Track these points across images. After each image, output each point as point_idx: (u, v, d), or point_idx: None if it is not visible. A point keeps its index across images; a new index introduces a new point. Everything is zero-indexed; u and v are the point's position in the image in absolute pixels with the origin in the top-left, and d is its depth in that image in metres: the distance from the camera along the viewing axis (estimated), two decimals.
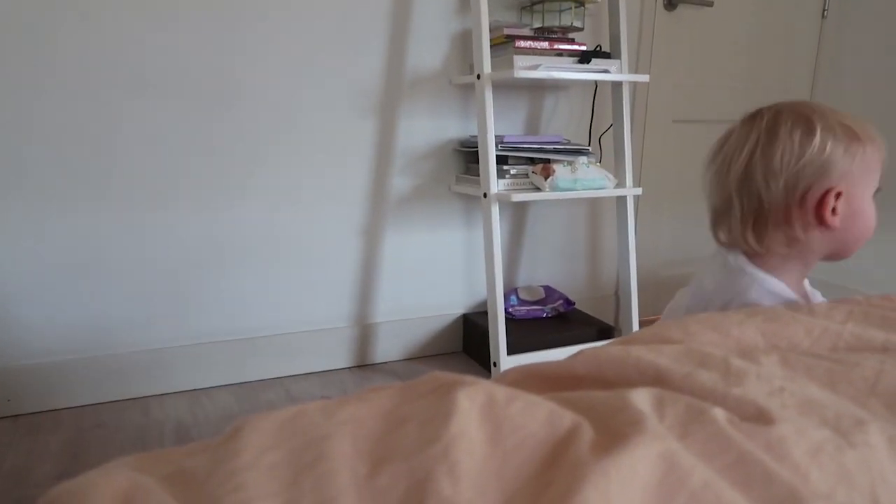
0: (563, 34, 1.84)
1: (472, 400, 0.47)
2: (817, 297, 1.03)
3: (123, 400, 1.67)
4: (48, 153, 1.52)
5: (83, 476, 0.40)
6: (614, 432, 0.45)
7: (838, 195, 0.88)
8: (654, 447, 0.43)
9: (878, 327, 0.75)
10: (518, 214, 2.10)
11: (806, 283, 1.03)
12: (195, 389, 1.74)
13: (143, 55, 1.56)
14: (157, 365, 1.70)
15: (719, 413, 0.49)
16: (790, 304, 0.84)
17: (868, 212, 0.91)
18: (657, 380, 0.56)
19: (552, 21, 1.84)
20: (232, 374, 1.78)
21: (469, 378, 0.51)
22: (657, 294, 2.34)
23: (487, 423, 0.45)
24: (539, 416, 0.46)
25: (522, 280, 2.15)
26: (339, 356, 1.91)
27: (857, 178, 0.89)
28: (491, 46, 1.72)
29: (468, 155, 1.92)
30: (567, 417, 0.47)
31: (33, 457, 1.41)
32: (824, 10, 2.44)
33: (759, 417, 0.49)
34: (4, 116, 1.47)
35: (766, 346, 0.70)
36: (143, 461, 0.44)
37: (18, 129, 1.49)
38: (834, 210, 0.89)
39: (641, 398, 0.50)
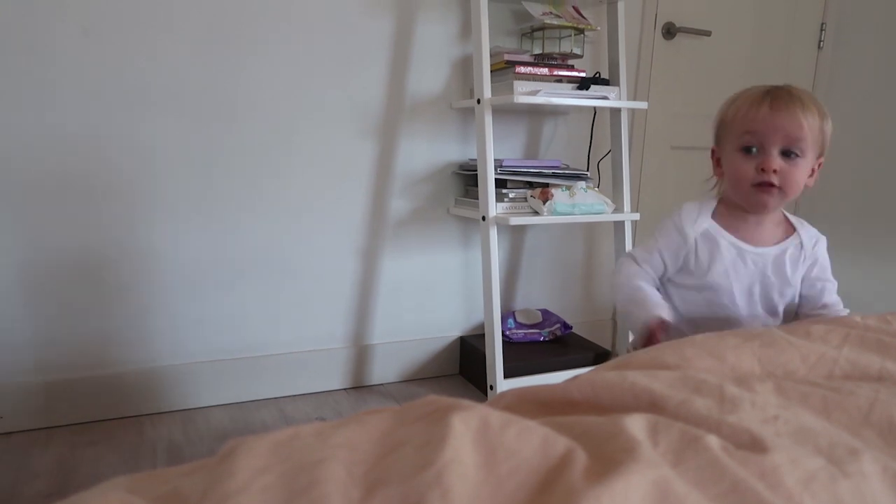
0: (563, 61, 1.87)
1: (466, 425, 0.47)
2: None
3: (117, 418, 1.66)
4: (46, 166, 1.53)
5: (76, 496, 0.39)
6: (608, 458, 0.45)
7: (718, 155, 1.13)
8: (647, 474, 0.43)
9: (874, 352, 0.75)
10: (516, 238, 2.11)
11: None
12: (189, 409, 1.73)
13: (145, 72, 1.57)
14: (151, 383, 1.69)
15: (713, 441, 0.49)
16: (786, 327, 0.84)
17: (732, 165, 1.08)
18: (652, 406, 0.56)
19: (552, 48, 1.86)
20: (226, 394, 1.77)
21: (464, 402, 0.51)
22: None
23: (482, 449, 0.45)
24: (533, 442, 0.46)
25: (520, 303, 2.15)
26: (334, 377, 1.90)
27: (722, 138, 1.10)
28: (491, 72, 1.74)
29: (467, 178, 1.94)
30: (561, 443, 0.47)
31: (25, 475, 1.40)
32: (820, 41, 2.48)
33: (753, 445, 0.49)
34: (3, 130, 1.48)
35: (761, 373, 0.70)
36: (137, 481, 0.44)
37: (17, 142, 1.50)
38: (719, 162, 1.13)
39: (636, 424, 0.50)
